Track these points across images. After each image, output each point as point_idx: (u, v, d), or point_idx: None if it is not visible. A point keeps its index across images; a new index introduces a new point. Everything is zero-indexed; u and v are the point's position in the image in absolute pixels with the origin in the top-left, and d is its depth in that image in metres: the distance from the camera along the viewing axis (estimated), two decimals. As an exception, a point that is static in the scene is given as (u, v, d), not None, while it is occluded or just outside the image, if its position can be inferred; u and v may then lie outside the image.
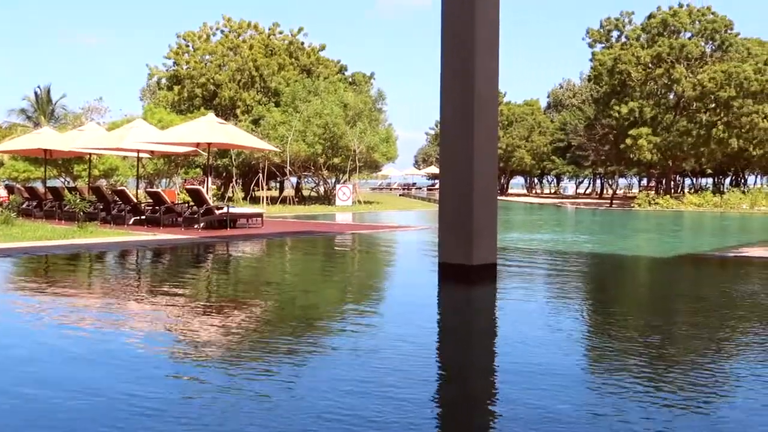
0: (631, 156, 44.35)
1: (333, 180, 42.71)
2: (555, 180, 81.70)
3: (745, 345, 5.92)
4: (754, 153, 42.54)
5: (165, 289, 8.84)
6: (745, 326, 6.73)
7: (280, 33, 46.33)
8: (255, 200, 38.12)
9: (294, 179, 44.41)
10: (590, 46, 48.51)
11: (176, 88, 43.76)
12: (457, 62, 9.35)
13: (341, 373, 4.89)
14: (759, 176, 62.65)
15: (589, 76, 50.44)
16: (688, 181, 65.86)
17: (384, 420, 3.89)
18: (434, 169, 77.83)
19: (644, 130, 42.99)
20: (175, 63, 45.09)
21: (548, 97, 79.27)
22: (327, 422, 3.84)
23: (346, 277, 10.74)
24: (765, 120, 40.27)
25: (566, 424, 3.85)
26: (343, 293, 8.97)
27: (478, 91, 9.14)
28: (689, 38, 44.72)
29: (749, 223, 26.72)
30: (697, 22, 44.77)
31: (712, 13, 44.79)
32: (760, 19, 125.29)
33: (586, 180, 76.71)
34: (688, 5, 45.22)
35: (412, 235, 18.53)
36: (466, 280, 9.05)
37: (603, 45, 48.14)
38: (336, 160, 38.37)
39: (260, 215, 19.96)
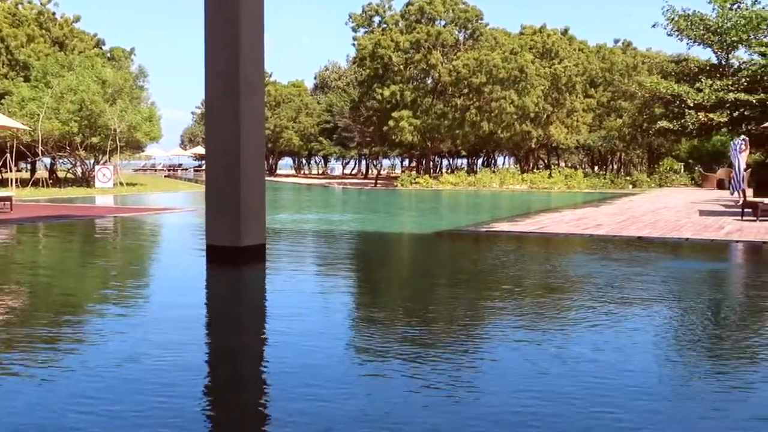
0: (394, 137, 46.24)
1: (92, 161, 40.32)
2: (322, 161, 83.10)
3: (501, 312, 6.42)
4: (503, 135, 45.98)
5: None
6: (501, 294, 7.31)
7: (29, 2, 42.70)
8: (2, 183, 35.01)
9: (47, 160, 41.32)
10: (354, 30, 49.76)
11: None
12: (221, 41, 9.18)
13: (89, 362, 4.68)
14: (507, 157, 67.93)
15: (353, 59, 51.74)
16: (445, 161, 69.95)
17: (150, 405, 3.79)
18: (201, 150, 75.94)
19: (405, 113, 44.94)
20: None
21: (315, 78, 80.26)
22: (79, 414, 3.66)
23: (106, 263, 10.22)
24: (511, 105, 43.64)
25: (328, 401, 3.98)
26: (103, 280, 8.54)
27: (243, 70, 9.05)
28: (444, 26, 47.34)
29: (499, 201, 28.96)
30: (450, 11, 47.46)
31: (464, 3, 47.71)
32: (505, 11, 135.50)
33: (352, 161, 78.78)
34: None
35: (178, 218, 18.03)
36: (235, 261, 8.98)
37: (365, 30, 49.57)
38: (94, 140, 36.21)
39: (9, 199, 18.40)
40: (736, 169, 18.42)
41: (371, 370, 4.59)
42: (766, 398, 4.07)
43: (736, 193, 18.44)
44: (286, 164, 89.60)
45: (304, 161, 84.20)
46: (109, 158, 38.27)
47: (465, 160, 67.63)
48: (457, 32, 47.92)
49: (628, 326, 5.79)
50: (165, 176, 65.59)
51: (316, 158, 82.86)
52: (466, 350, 5.11)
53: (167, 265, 10.34)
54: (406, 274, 9.69)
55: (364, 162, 73.74)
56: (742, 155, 18.78)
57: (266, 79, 59.95)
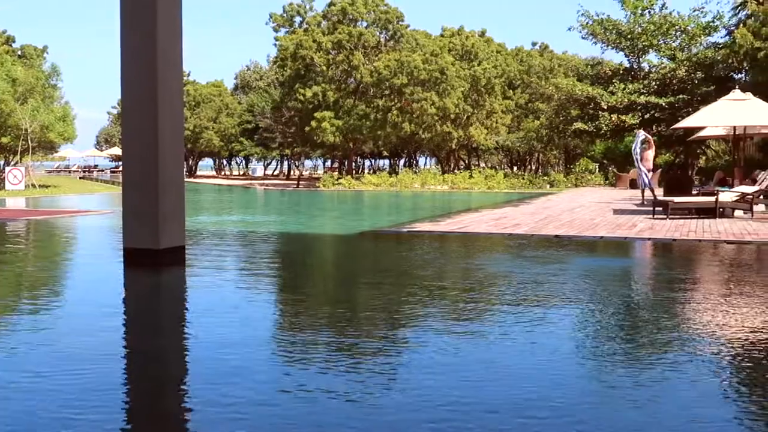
0: (316, 138, 46.10)
1: (2, 162, 38.86)
2: (244, 162, 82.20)
3: (423, 313, 6.49)
4: (424, 136, 46.41)
5: None
6: (423, 294, 7.38)
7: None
8: None
9: (-47, 161, 39.67)
10: (275, 30, 49.41)
11: None
12: (137, 39, 8.99)
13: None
14: (428, 158, 68.61)
15: (274, 59, 51.37)
16: (367, 162, 70.15)
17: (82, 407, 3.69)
18: (117, 151, 74.04)
19: (327, 113, 44.86)
20: None
21: (236, 78, 79.29)
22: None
23: (17, 268, 9.87)
24: (432, 106, 44.08)
25: (246, 406, 3.96)
26: (12, 287, 8.25)
27: (161, 70, 8.88)
28: (366, 27, 47.48)
29: (420, 201, 29.24)
30: (372, 12, 47.64)
31: (386, 4, 47.96)
32: (425, 13, 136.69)
33: (274, 161, 78.17)
34: (364, -4, 47.97)
35: (94, 220, 17.54)
36: (154, 264, 8.81)
37: (286, 30, 49.28)
38: (4, 140, 34.93)
39: None
40: (637, 161, 19.51)
41: (291, 373, 4.58)
42: (680, 395, 4.23)
43: (647, 189, 19.33)
44: (206, 165, 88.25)
45: (224, 162, 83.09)
46: (20, 159, 36.94)
47: (387, 161, 67.97)
48: (378, 33, 48.13)
49: (545, 324, 5.94)
50: (80, 177, 63.74)
51: (237, 159, 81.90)
52: (385, 353, 5.15)
53: (82, 269, 10.05)
54: (329, 275, 9.69)
55: (286, 163, 73.25)
56: (646, 154, 19.72)
57: (185, 78, 58.98)
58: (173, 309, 7.03)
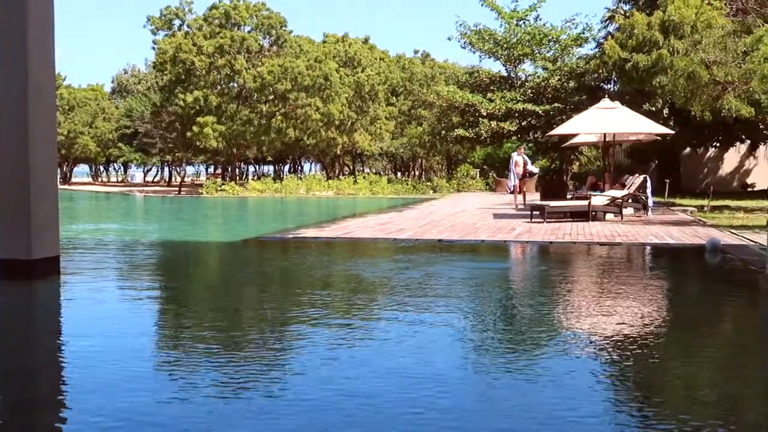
0: (198, 144, 45.21)
1: None
2: (122, 168, 79.54)
3: (307, 317, 6.49)
4: (309, 142, 46.35)
5: None
6: (308, 298, 7.37)
7: None
8: None
9: None
10: (153, 33, 48.16)
11: None
12: (6, 42, 8.57)
13: None
14: (313, 164, 68.52)
15: (153, 63, 50.04)
16: (251, 168, 69.32)
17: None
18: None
19: (210, 118, 44.09)
20: None
21: (113, 82, 76.67)
22: None
23: None
24: (317, 112, 44.11)
25: (129, 419, 3.86)
26: None
27: (32, 74, 8.49)
28: (249, 32, 46.98)
29: (306, 207, 29.17)
30: (254, 17, 47.21)
31: (268, 9, 47.64)
32: (308, 20, 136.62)
33: (154, 168, 76.04)
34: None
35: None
36: (27, 275, 8.40)
37: (166, 33, 48.12)
38: None
39: None
40: (511, 171, 21.00)
41: (176, 382, 4.49)
42: (555, 390, 4.42)
43: (514, 191, 21.07)
44: (82, 172, 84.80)
45: (102, 168, 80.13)
46: None
47: (271, 167, 67.42)
48: (261, 38, 47.72)
49: (428, 325, 6.06)
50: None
51: (116, 165, 79.18)
52: (271, 358, 5.13)
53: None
54: (212, 283, 9.53)
55: (167, 169, 71.38)
56: (518, 167, 21.12)
57: (58, 81, 56.54)
58: (45, 322, 6.74)
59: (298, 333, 5.89)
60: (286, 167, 64.65)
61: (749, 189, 32.57)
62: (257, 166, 69.09)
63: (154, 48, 47.59)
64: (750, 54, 18.34)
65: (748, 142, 30.59)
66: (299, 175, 51.13)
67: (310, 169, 68.24)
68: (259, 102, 45.27)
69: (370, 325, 6.16)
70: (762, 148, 29.77)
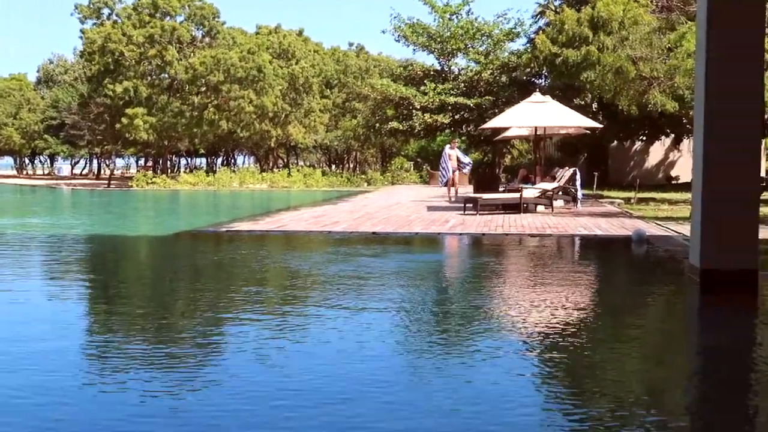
0: (128, 136, 44.24)
1: None
2: (48, 160, 77.23)
3: (238, 313, 6.43)
4: (242, 135, 45.83)
5: None
6: (241, 292, 7.31)
7: None
8: None
9: None
10: (81, 22, 46.84)
11: None
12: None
13: None
14: (246, 156, 67.78)
15: (81, 52, 48.69)
16: (183, 161, 68.13)
17: None
18: None
19: (140, 110, 43.16)
20: None
21: (38, 72, 74.26)
22: None
23: None
24: (250, 104, 43.63)
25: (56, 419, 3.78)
26: None
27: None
28: (181, 22, 46.13)
29: (239, 200, 28.87)
30: (186, 7, 46.37)
31: (200, 0, 46.84)
32: (241, 11, 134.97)
33: (82, 160, 74.06)
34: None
35: None
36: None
37: (94, 22, 46.87)
38: None
39: None
40: (445, 160, 21.41)
41: (101, 380, 4.40)
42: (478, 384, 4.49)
43: (448, 184, 21.51)
44: (6, 164, 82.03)
45: (27, 161, 77.64)
46: None
47: (204, 160, 66.41)
48: (193, 29, 46.91)
49: (362, 318, 6.09)
50: None
51: (41, 158, 76.85)
52: (198, 356, 5.08)
53: None
54: (142, 278, 9.35)
55: (95, 162, 69.58)
56: (451, 161, 21.50)
57: (-21, 70, 54.51)
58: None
59: (228, 327, 5.84)
60: (219, 160, 63.76)
61: (673, 181, 33.62)
62: (189, 159, 67.93)
63: (81, 37, 46.30)
64: (674, 50, 18.92)
65: (673, 135, 31.56)
66: (232, 168, 50.44)
67: (244, 161, 67.43)
68: (191, 94, 44.52)
69: (302, 318, 6.15)
70: (686, 141, 30.71)
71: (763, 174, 23.38)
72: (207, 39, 47.27)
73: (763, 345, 5.54)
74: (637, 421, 3.66)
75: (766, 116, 18.06)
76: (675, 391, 4.31)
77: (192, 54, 44.88)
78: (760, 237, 7.14)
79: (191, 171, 56.25)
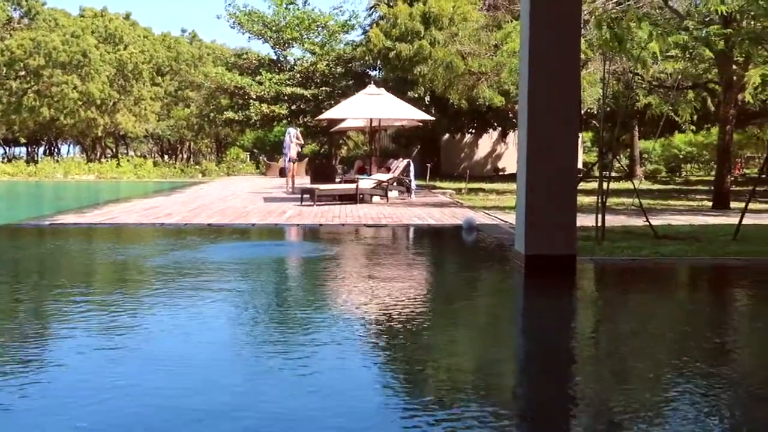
0: (-65, 123, 40.77)
1: None
2: None
3: (68, 312, 6.13)
4: (66, 122, 43.47)
5: None
6: (66, 290, 6.95)
7: None
8: None
9: None
10: None
11: None
12: None
13: None
14: (72, 146, 64.31)
15: None
16: (1, 150, 63.58)
17: None
18: None
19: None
20: None
21: None
22: None
23: None
24: (74, 90, 41.42)
25: None
26: None
27: None
28: (-5, 1, 43.03)
29: (64, 191, 27.36)
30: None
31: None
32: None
33: None
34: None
35: None
36: None
37: None
38: None
39: None
40: (286, 154, 21.42)
41: None
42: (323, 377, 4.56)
43: (288, 180, 21.32)
44: None
45: None
46: None
47: (24, 149, 62.28)
48: (11, 9, 43.84)
49: (199, 313, 5.98)
50: None
51: None
52: (29, 359, 4.82)
53: None
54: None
55: None
56: (293, 145, 21.49)
57: None
58: None
59: (50, 328, 5.57)
60: (41, 149, 60.05)
61: (501, 173, 35.34)
62: (7, 148, 63.46)
63: None
64: (500, 48, 19.86)
65: (500, 129, 33.14)
66: (56, 158, 47.61)
67: (69, 151, 63.87)
68: (8, 78, 41.63)
69: (133, 314, 5.96)
70: (511, 134, 32.36)
71: (580, 165, 25.29)
72: (25, 20, 44.34)
73: (577, 323, 5.99)
74: (470, 395, 3.85)
75: (582, 112, 19.40)
76: (506, 369, 4.56)
77: (9, 36, 41.94)
78: (578, 224, 7.69)
79: (10, 161, 52.60)
